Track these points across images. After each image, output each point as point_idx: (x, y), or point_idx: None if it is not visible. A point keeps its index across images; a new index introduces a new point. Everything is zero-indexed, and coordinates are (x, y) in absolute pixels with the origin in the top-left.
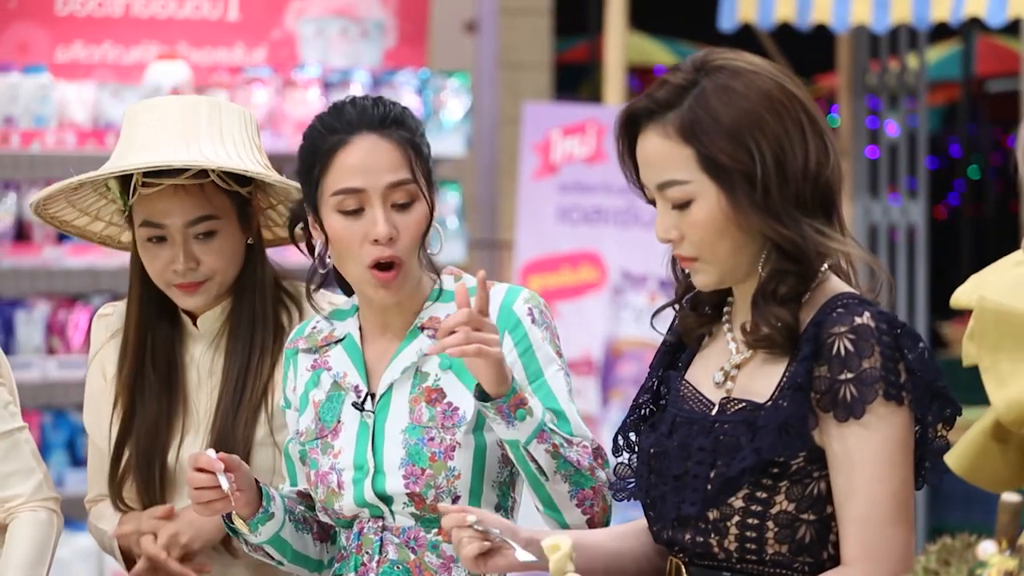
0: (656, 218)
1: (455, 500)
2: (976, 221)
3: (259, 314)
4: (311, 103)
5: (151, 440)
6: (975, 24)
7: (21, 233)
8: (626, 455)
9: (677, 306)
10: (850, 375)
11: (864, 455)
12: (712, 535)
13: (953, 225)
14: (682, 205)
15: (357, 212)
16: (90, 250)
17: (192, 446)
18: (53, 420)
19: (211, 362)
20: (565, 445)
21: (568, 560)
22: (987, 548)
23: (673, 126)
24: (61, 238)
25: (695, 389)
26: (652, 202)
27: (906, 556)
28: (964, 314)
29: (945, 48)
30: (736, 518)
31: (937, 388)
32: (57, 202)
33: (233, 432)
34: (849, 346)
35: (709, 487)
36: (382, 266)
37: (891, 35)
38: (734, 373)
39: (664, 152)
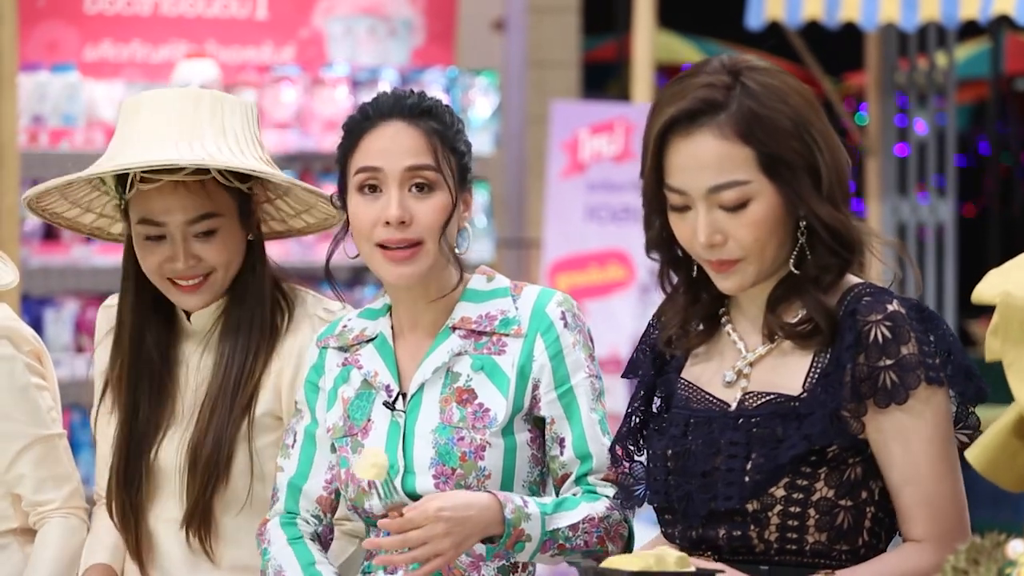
0: (694, 222)
1: None
2: (1005, 219)
3: (256, 315)
4: (339, 102)
5: (138, 442)
6: (1004, 22)
7: (50, 232)
8: (627, 464)
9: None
10: (889, 361)
11: (918, 438)
12: (752, 527)
13: (982, 223)
14: (736, 207)
15: (375, 191)
16: (118, 248)
17: (171, 443)
18: (82, 418)
19: (199, 359)
20: (570, 537)
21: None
22: (1017, 547)
23: (729, 127)
24: (90, 237)
25: (702, 391)
26: (661, 209)
27: (968, 529)
28: (991, 312)
29: (974, 46)
30: (778, 507)
31: (966, 366)
32: (50, 195)
33: (219, 432)
34: (887, 333)
35: (747, 479)
36: (391, 248)
37: (920, 33)
38: (747, 371)
39: (721, 154)
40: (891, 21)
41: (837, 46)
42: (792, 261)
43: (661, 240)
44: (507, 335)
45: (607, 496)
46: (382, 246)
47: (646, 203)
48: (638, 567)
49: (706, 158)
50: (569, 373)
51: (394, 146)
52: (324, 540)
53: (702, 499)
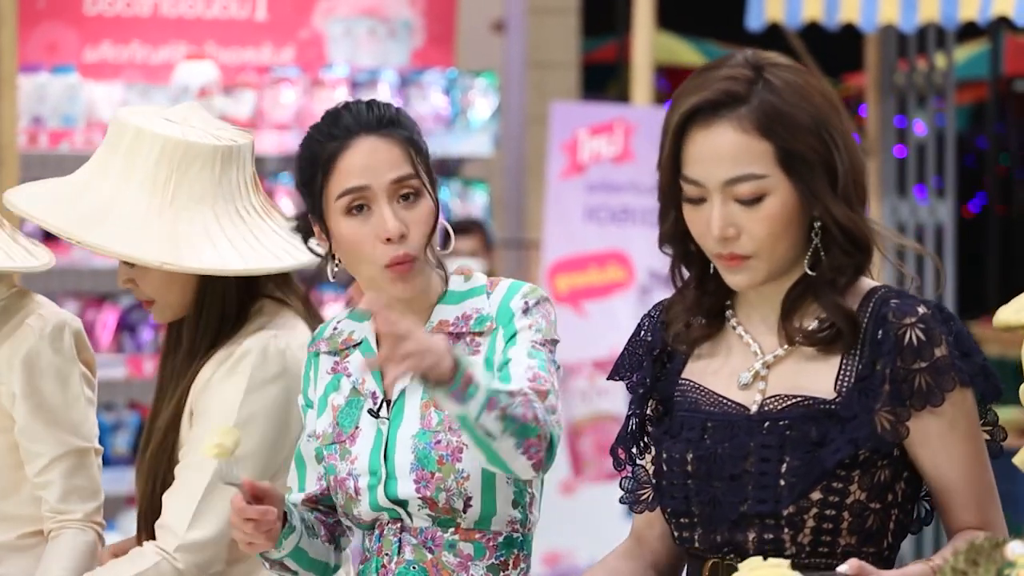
0: (708, 215)
1: (467, 501)
2: (1004, 220)
3: (190, 354)
4: (339, 103)
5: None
6: (1003, 23)
7: (50, 233)
8: (629, 468)
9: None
10: (923, 364)
11: (956, 437)
12: (786, 530)
13: (981, 224)
14: (751, 200)
15: (364, 211)
16: None
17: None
18: None
19: None
20: (511, 404)
21: None
22: (1016, 548)
23: (749, 120)
24: None
25: (713, 393)
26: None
27: (1003, 517)
28: (991, 314)
29: (973, 47)
30: (814, 510)
31: (984, 365)
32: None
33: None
34: (921, 336)
35: (782, 482)
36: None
37: (919, 34)
38: (764, 373)
39: (740, 146)
40: (890, 22)
41: (836, 47)
42: (807, 262)
43: (675, 233)
44: (481, 333)
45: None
46: (385, 267)
47: (662, 195)
48: None
49: (724, 150)
50: (517, 339)
51: (374, 161)
52: (324, 526)
53: (731, 503)
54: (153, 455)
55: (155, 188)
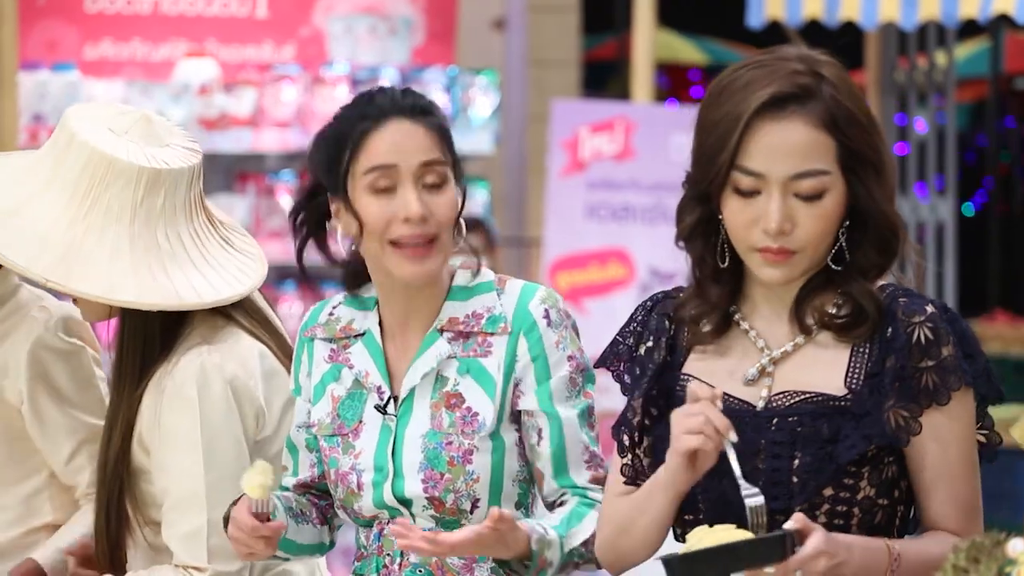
0: (764, 207)
1: (475, 502)
2: (1004, 218)
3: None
4: (340, 100)
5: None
6: (1003, 21)
7: None
8: (629, 456)
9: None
10: (930, 363)
11: (953, 437)
12: None
13: (981, 222)
14: (812, 196)
15: (389, 191)
16: None
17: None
18: None
19: None
20: (584, 553)
21: None
22: (1016, 546)
23: (818, 116)
24: None
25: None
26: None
27: (982, 524)
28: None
29: (973, 45)
30: (826, 506)
31: (987, 367)
32: None
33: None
34: (929, 334)
35: (795, 479)
36: (410, 246)
37: (919, 32)
38: (771, 369)
39: (809, 141)
40: (891, 20)
41: (837, 45)
42: (831, 257)
43: (695, 229)
44: (493, 334)
45: (599, 501)
46: (395, 243)
47: (693, 187)
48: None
49: (794, 144)
50: (551, 371)
51: (406, 143)
52: (315, 508)
53: (740, 500)
54: (105, 482)
55: (73, 198)
